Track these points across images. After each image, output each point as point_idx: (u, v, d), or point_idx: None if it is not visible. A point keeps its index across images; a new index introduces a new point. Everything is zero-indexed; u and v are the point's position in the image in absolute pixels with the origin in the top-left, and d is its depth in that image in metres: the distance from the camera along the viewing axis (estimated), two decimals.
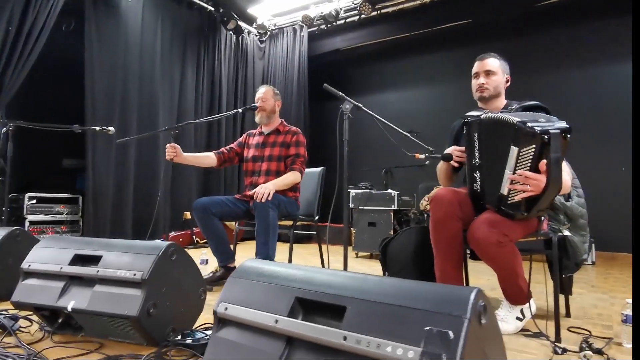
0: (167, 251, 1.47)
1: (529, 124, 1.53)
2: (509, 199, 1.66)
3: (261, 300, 0.95)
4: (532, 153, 1.55)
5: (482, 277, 3.13)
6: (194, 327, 1.55)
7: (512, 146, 1.60)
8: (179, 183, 5.09)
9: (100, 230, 4.18)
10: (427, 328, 0.73)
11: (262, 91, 2.87)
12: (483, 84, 1.98)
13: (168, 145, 2.57)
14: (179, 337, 1.41)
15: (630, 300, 1.57)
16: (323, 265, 3.01)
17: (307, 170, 2.85)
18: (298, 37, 6.07)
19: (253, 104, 2.88)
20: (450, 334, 0.71)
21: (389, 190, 4.42)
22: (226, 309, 0.99)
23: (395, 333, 0.76)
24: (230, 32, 5.81)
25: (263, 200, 2.39)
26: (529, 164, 1.56)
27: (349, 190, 4.49)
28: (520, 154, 1.58)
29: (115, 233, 4.30)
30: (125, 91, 4.50)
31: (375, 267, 3.71)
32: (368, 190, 4.55)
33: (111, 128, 3.27)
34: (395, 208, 4.27)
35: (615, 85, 4.75)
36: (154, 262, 1.40)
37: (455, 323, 0.72)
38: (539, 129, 1.51)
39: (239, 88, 5.96)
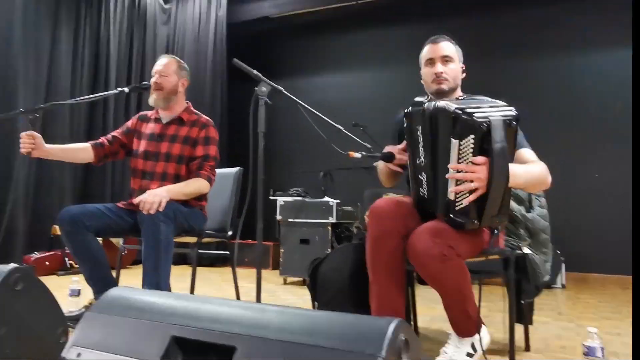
0: (7, 279, 1.38)
1: (468, 111, 1.64)
2: (457, 204, 1.74)
3: (127, 342, 0.93)
4: (472, 145, 1.66)
5: (435, 305, 3.24)
6: None
7: (452, 139, 1.70)
8: (45, 186, 4.93)
9: None
10: None
11: (163, 62, 2.80)
12: (441, 73, 2.04)
13: (23, 134, 2.45)
14: None
15: (594, 330, 1.71)
16: (238, 296, 3.00)
17: (219, 171, 2.84)
18: None
19: (144, 82, 2.81)
20: None
21: (327, 199, 4.49)
22: (79, 354, 0.95)
23: None
24: None
25: (152, 212, 2.33)
26: (470, 159, 1.67)
27: (273, 197, 4.62)
28: (461, 147, 1.69)
29: None
30: None
31: (307, 297, 3.74)
32: (300, 198, 4.60)
33: None
34: (334, 220, 4.35)
35: (594, 75, 5.13)
36: None
37: None
38: (478, 115, 1.62)
39: (134, 61, 5.85)
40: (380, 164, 2.17)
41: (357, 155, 2.04)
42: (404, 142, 1.98)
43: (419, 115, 1.84)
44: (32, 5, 4.82)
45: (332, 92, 6.21)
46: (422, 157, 1.85)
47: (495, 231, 1.92)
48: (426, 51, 2.11)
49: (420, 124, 1.84)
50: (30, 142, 2.46)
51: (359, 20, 6.06)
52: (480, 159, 1.65)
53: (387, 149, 2.06)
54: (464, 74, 2.13)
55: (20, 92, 4.70)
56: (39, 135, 2.49)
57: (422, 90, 2.20)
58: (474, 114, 1.63)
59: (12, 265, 1.44)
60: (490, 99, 1.79)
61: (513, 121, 1.66)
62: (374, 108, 5.75)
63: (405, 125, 1.91)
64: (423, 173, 1.86)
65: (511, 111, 1.66)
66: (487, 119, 1.62)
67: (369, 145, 2.15)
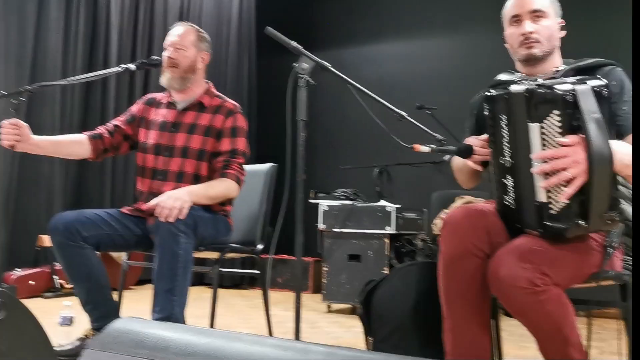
0: None
1: (546, 84, 1.67)
2: (551, 205, 1.71)
3: None
4: (558, 124, 1.66)
5: (528, 343, 3.13)
6: None
7: (529, 123, 1.72)
8: (30, 185, 5.03)
9: None
10: None
11: (178, 32, 2.85)
12: (531, 33, 2.01)
13: (5, 122, 2.50)
14: None
15: None
16: (270, 327, 3.01)
17: (249, 168, 2.87)
18: None
19: (155, 57, 2.84)
20: None
21: (383, 203, 4.47)
22: None
23: None
24: None
25: (170, 220, 2.36)
26: (558, 141, 1.67)
27: (315, 201, 4.64)
28: (544, 130, 1.69)
29: None
30: None
31: (356, 329, 3.73)
32: (349, 202, 4.60)
33: None
34: (393, 231, 4.34)
35: None
36: None
37: None
38: (560, 88, 1.64)
39: (139, 31, 5.90)
40: (457, 160, 2.16)
41: (425, 148, 2.01)
42: (485, 135, 1.98)
43: (503, 100, 1.83)
44: None
45: (390, 66, 6.15)
46: (507, 156, 1.85)
47: (610, 249, 1.87)
48: (510, 6, 2.09)
49: (505, 112, 1.83)
50: (14, 132, 2.50)
51: None
52: (571, 138, 1.65)
53: (467, 140, 2.04)
54: (563, 32, 2.10)
55: (2, 67, 4.81)
56: (25, 124, 2.53)
57: (509, 60, 2.17)
58: (554, 85, 1.65)
59: None
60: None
61: (604, 89, 1.67)
62: (444, 86, 5.69)
63: (486, 112, 1.91)
64: (508, 176, 1.86)
65: (598, 80, 1.68)
66: (572, 89, 1.63)
67: (439, 136, 2.11)
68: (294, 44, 2.07)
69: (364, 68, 6.09)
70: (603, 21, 5.28)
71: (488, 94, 1.89)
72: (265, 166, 3.12)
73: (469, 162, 2.03)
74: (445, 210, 4.23)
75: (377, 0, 6.37)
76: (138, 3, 5.92)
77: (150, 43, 5.99)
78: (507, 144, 1.84)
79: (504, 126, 1.84)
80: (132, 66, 2.75)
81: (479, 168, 2.04)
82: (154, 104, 2.93)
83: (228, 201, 2.81)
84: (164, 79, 2.81)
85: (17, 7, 4.97)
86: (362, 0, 6.46)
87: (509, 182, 1.86)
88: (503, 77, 2.08)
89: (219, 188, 2.66)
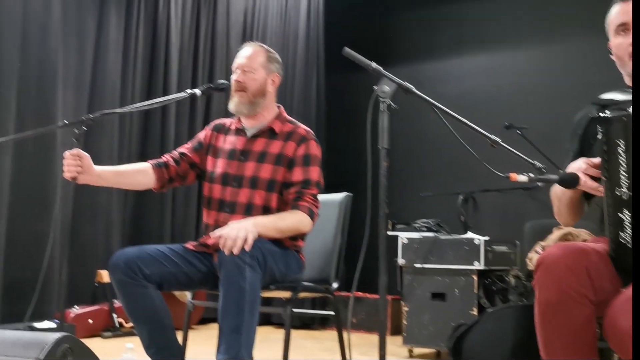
0: (54, 352, 1.47)
1: None
2: None
3: None
4: None
5: None
6: None
7: None
8: (89, 219, 5.12)
9: None
10: None
11: (246, 54, 2.89)
12: None
13: (67, 153, 2.57)
14: None
15: None
16: None
17: (320, 197, 2.85)
18: None
19: (222, 81, 2.90)
20: None
21: (470, 235, 4.41)
22: None
23: None
24: None
25: (235, 251, 2.36)
26: None
27: (393, 233, 4.61)
28: None
29: None
30: None
31: None
32: (431, 234, 4.54)
33: None
34: (482, 267, 4.26)
35: None
36: None
37: None
38: None
39: (200, 51, 6.02)
40: (558, 189, 2.09)
41: (523, 178, 1.96)
42: (597, 159, 1.92)
43: (621, 123, 1.79)
44: None
45: (472, 81, 6.06)
46: (624, 187, 1.80)
47: None
48: (616, 12, 2.05)
49: (623, 137, 1.78)
50: (76, 163, 2.55)
51: None
52: None
53: (572, 167, 1.98)
54: None
55: (60, 93, 4.94)
56: (87, 154, 2.59)
57: (613, 73, 2.12)
58: None
59: (59, 333, 1.53)
60: None
61: None
62: (535, 102, 5.59)
63: (599, 136, 1.86)
64: (626, 210, 1.80)
65: None
66: None
67: (538, 164, 2.04)
68: (374, 65, 2.08)
69: (444, 84, 6.04)
70: None
71: (603, 115, 1.87)
72: (339, 196, 3.11)
73: (575, 193, 1.99)
74: (541, 243, 4.14)
75: (457, 9, 6.30)
76: (199, 21, 6.04)
77: (212, 63, 6.10)
78: (624, 173, 1.79)
79: (621, 153, 1.80)
80: (197, 91, 2.83)
81: (598, 193, 1.95)
82: (222, 130, 2.97)
83: (300, 236, 2.80)
84: (231, 105, 2.85)
85: (76, 28, 5.13)
86: (440, 10, 6.39)
87: (626, 217, 1.80)
88: (616, 95, 2.03)
89: (290, 221, 2.67)
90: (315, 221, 2.73)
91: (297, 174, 2.75)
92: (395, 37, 6.55)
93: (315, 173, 2.77)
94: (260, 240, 2.44)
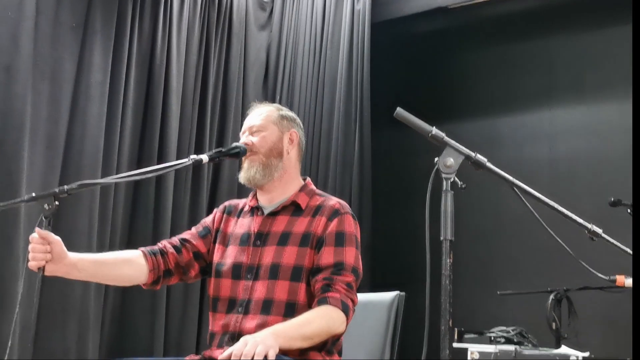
0: None
1: None
2: None
3: None
4: None
5: None
6: None
7: None
8: (58, 322, 4.71)
9: None
10: None
11: (256, 113, 2.88)
12: None
13: (33, 237, 2.44)
14: None
15: None
16: None
17: (362, 297, 2.74)
18: None
19: (237, 144, 2.77)
20: None
21: (566, 350, 4.11)
22: None
23: None
24: None
25: None
26: None
27: (460, 345, 4.48)
28: None
29: None
30: None
31: None
32: (512, 348, 4.20)
33: None
34: None
35: None
36: None
37: None
38: None
39: (208, 102, 5.67)
40: None
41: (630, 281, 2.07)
42: None
43: None
44: (49, 10, 4.76)
45: (565, 142, 5.60)
46: None
47: None
48: None
49: None
50: (44, 249, 2.42)
51: (609, 11, 5.40)
52: None
53: None
54: None
55: (26, 155, 4.54)
56: (57, 238, 2.45)
57: None
58: None
59: None
60: None
61: None
62: None
63: None
64: None
65: None
66: None
67: None
68: (434, 131, 2.09)
69: (527, 144, 5.75)
70: None
71: None
72: (388, 295, 3.00)
73: None
74: None
75: (544, 45, 5.94)
76: (207, 61, 5.71)
77: (223, 117, 5.77)
78: None
79: None
80: (204, 157, 2.73)
81: None
82: (233, 212, 2.93)
83: (333, 342, 2.65)
84: (242, 174, 2.79)
85: (49, 70, 4.80)
86: (523, 47, 6.04)
87: None
88: None
89: (318, 323, 2.52)
90: (351, 318, 2.63)
91: (327, 256, 2.64)
92: (461, 83, 6.25)
93: (351, 255, 2.66)
94: (281, 356, 2.41)
